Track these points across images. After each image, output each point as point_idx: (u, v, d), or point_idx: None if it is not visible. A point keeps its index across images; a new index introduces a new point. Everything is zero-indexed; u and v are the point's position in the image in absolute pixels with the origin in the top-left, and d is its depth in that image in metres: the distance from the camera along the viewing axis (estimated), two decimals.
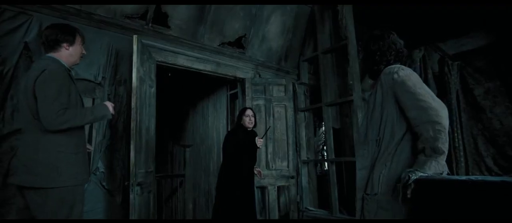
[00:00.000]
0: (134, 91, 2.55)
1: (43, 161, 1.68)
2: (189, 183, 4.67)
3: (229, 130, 4.23)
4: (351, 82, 3.97)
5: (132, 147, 2.51)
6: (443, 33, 4.65)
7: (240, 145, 3.09)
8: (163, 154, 5.63)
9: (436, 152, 1.33)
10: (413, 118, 1.41)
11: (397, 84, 1.47)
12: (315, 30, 4.43)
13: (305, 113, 4.57)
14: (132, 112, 2.54)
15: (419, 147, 1.38)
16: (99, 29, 2.82)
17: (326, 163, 5.68)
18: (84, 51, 1.99)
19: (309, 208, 4.22)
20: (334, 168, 4.07)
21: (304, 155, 4.38)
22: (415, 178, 1.30)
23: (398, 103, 1.48)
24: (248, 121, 3.21)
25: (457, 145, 5.11)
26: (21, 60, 2.48)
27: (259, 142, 3.12)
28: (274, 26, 4.21)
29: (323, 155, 6.42)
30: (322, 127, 6.37)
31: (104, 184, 2.77)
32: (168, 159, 5.63)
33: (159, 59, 3.21)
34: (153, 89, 3.06)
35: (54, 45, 1.82)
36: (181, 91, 5.52)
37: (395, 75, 1.48)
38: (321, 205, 4.42)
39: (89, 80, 2.74)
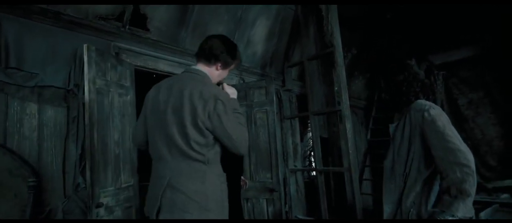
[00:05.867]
0: (86, 106, 2.32)
1: (212, 196, 1.50)
2: None
3: None
4: (336, 89, 3.86)
5: (87, 166, 2.29)
6: (433, 46, 4.68)
7: (224, 153, 2.92)
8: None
9: (463, 193, 1.32)
10: (439, 158, 1.42)
11: (427, 122, 1.49)
12: (299, 34, 4.30)
13: (291, 120, 4.43)
14: (86, 129, 2.33)
15: (443, 186, 1.38)
16: (68, 30, 2.56)
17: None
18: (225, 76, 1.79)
19: (298, 216, 4.10)
20: (322, 178, 3.95)
21: (291, 164, 4.24)
22: (443, 219, 1.30)
23: (425, 141, 1.49)
24: None
25: None
26: None
27: None
28: (260, 30, 4.05)
29: (310, 161, 6.32)
30: (308, 132, 6.28)
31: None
32: None
33: (138, 64, 2.98)
34: (129, 97, 2.82)
35: (210, 58, 1.64)
36: None
37: (426, 114, 1.50)
38: (310, 212, 4.33)
39: (58, 87, 2.47)
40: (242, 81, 3.97)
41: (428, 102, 1.58)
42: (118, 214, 2.60)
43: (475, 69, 5.01)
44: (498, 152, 4.96)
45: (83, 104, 2.52)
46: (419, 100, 1.62)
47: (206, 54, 1.63)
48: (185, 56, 3.37)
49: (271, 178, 3.67)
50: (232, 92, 1.72)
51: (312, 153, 6.55)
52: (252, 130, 3.77)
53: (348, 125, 3.69)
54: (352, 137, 3.68)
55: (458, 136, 1.45)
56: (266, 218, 3.74)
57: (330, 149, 4.38)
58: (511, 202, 2.58)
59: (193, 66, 1.67)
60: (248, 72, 4.07)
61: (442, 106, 5.24)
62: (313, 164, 6.56)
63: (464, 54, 4.78)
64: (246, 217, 3.76)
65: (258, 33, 3.99)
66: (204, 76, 1.61)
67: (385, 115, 5.41)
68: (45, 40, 2.43)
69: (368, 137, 5.59)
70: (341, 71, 3.79)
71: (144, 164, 4.25)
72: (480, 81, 5.02)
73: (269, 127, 3.72)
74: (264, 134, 3.73)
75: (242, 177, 3.23)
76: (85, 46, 2.37)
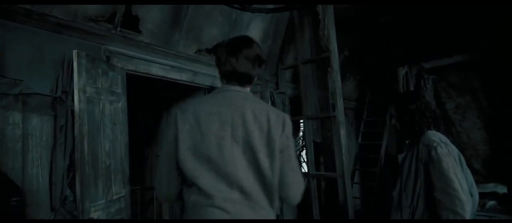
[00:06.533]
0: (76, 116, 2.20)
1: None
2: None
3: None
4: (332, 94, 3.84)
5: (77, 180, 2.19)
6: (426, 53, 4.73)
7: None
8: (142, 164, 5.17)
9: None
10: (438, 200, 1.46)
11: (432, 161, 1.50)
12: (294, 37, 4.23)
13: None
14: (76, 141, 2.21)
15: None
16: (55, 33, 2.38)
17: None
18: None
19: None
20: (315, 183, 3.95)
21: None
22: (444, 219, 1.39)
23: (429, 177, 1.51)
24: None
25: None
26: None
27: None
28: (254, 32, 3.95)
29: (300, 161, 6.33)
30: (299, 132, 6.28)
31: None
32: (147, 170, 5.19)
33: (130, 68, 2.84)
34: (121, 104, 2.69)
35: (249, 81, 1.32)
36: (154, 93, 5.07)
37: (433, 152, 1.51)
38: (300, 214, 4.34)
39: (45, 95, 2.31)
40: None
41: (437, 137, 1.58)
42: None
43: (464, 74, 5.11)
44: (483, 155, 5.11)
45: (72, 112, 2.38)
46: (429, 132, 1.62)
47: (243, 79, 1.31)
48: (179, 59, 3.24)
49: None
50: None
51: (302, 153, 6.57)
52: None
53: (342, 131, 3.68)
54: (346, 143, 3.68)
55: (462, 181, 1.47)
56: None
57: (324, 153, 4.38)
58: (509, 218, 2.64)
59: (232, 87, 1.30)
60: None
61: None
62: (303, 165, 6.58)
63: (453, 59, 4.85)
64: None
65: (252, 35, 3.86)
66: (252, 95, 1.33)
67: (376, 118, 5.45)
68: (31, 44, 2.26)
69: (359, 140, 5.62)
70: (336, 77, 3.76)
71: (135, 171, 4.12)
72: (468, 86, 5.12)
73: None
74: None
75: None
76: (74, 52, 2.22)
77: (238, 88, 1.29)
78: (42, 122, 2.33)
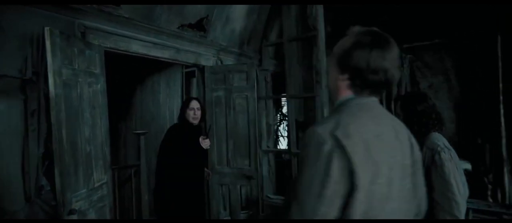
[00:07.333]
0: (52, 102, 2.00)
1: None
2: (144, 171, 4.12)
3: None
4: (316, 74, 3.82)
5: (56, 171, 2.03)
6: (410, 36, 4.78)
7: (180, 144, 2.74)
8: (116, 140, 4.93)
9: None
10: (436, 202, 1.53)
11: (435, 165, 1.56)
12: (280, 12, 4.07)
13: (266, 100, 4.33)
14: (53, 129, 2.02)
15: None
16: (20, 5, 2.07)
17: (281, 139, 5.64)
18: None
19: (269, 196, 4.16)
20: (296, 160, 4.01)
21: (264, 145, 4.21)
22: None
23: (430, 178, 1.56)
24: (192, 115, 2.81)
25: None
26: None
27: (205, 143, 2.80)
28: (239, 7, 3.74)
29: (277, 135, 6.40)
30: (279, 108, 6.29)
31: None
32: (121, 144, 4.96)
33: (109, 46, 2.58)
34: (100, 85, 2.47)
35: (382, 88, 0.99)
36: (127, 64, 4.76)
37: (436, 156, 1.57)
38: (278, 190, 4.43)
39: (12, 77, 2.04)
40: (220, 62, 3.70)
41: (441, 141, 1.64)
42: (91, 216, 2.37)
43: (438, 54, 5.25)
44: (450, 133, 5.40)
45: (45, 96, 2.14)
46: (433, 135, 1.68)
47: (381, 85, 0.98)
48: (161, 35, 3.00)
49: (249, 165, 3.62)
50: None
51: (280, 127, 6.63)
52: (231, 115, 3.62)
53: (326, 110, 3.70)
54: None
55: (460, 185, 1.54)
56: (241, 203, 3.74)
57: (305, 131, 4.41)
58: (483, 209, 2.82)
59: (372, 98, 0.99)
60: (225, 51, 3.80)
61: (405, 89, 5.49)
62: (280, 140, 6.67)
63: (433, 42, 4.95)
64: (220, 203, 3.72)
65: (237, 10, 3.68)
66: None
67: None
68: None
69: None
70: (322, 57, 3.72)
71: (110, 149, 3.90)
72: (441, 66, 5.30)
73: (249, 113, 3.59)
74: (243, 120, 3.60)
75: (205, 169, 3.19)
76: (46, 29, 1.95)
77: (375, 99, 1.01)
78: (9, 106, 2.08)
